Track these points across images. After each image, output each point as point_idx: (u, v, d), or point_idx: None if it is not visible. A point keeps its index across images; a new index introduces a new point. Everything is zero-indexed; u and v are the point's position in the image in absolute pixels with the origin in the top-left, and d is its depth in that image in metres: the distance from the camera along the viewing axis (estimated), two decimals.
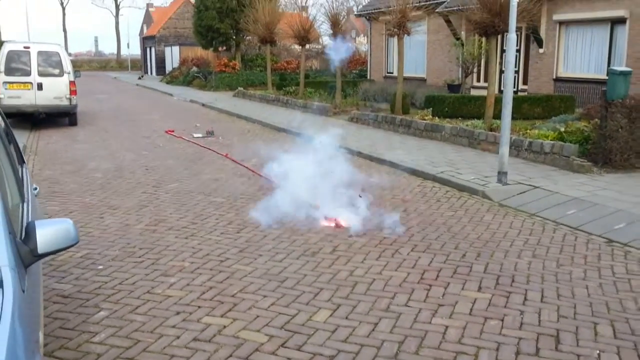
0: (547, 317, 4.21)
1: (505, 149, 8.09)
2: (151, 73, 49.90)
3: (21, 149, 7.29)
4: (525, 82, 18.06)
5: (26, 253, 2.47)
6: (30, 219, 3.22)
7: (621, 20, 14.90)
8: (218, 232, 6.13)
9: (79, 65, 46.11)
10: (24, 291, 2.29)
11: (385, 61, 24.49)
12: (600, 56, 15.69)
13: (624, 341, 3.87)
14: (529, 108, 13.97)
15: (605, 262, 5.38)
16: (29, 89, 14.37)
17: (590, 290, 4.71)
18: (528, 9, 11.86)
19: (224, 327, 4.02)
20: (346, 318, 4.18)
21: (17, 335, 1.98)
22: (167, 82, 35.40)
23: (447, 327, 4.04)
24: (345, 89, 19.25)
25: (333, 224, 6.38)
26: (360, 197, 6.95)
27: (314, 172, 7.41)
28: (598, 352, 3.72)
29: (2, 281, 2.16)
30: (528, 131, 10.69)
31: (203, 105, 21.46)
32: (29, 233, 2.53)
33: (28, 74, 14.39)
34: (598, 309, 4.35)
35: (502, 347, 3.77)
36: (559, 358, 3.64)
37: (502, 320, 4.15)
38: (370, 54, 25.71)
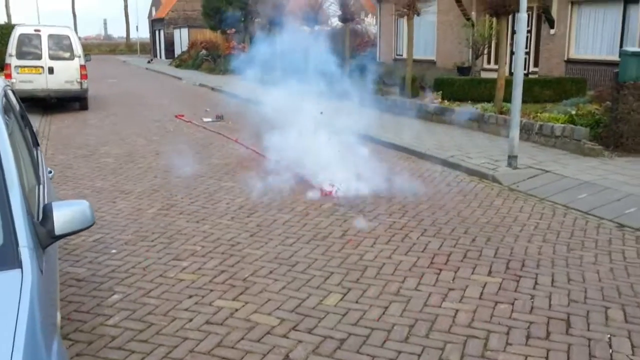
0: (558, 301, 4.22)
1: (515, 132, 8.05)
2: (160, 56, 49.86)
3: None
4: (536, 64, 17.87)
5: (44, 234, 2.50)
6: (46, 201, 3.26)
7: (634, 0, 14.67)
8: (229, 217, 6.18)
9: (88, 48, 46.05)
10: (42, 272, 2.32)
11: (395, 43, 24.32)
12: (613, 37, 15.47)
13: (635, 325, 3.88)
14: (540, 91, 13.87)
15: (616, 247, 5.37)
16: (41, 73, 14.40)
17: (601, 275, 4.71)
18: None
19: (236, 310, 4.08)
20: (356, 302, 4.21)
21: (36, 316, 2.01)
22: (176, 66, 35.37)
23: (457, 311, 4.07)
24: (353, 72, 19.14)
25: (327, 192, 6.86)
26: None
27: (321, 154, 7.46)
28: (609, 336, 3.73)
29: (21, 262, 2.18)
30: (538, 114, 10.61)
31: (212, 89, 21.45)
32: (47, 214, 2.55)
33: (39, 57, 14.41)
34: (609, 294, 4.36)
35: (512, 331, 3.79)
36: (570, 342, 3.66)
37: (513, 304, 4.17)
38: (380, 36, 25.54)
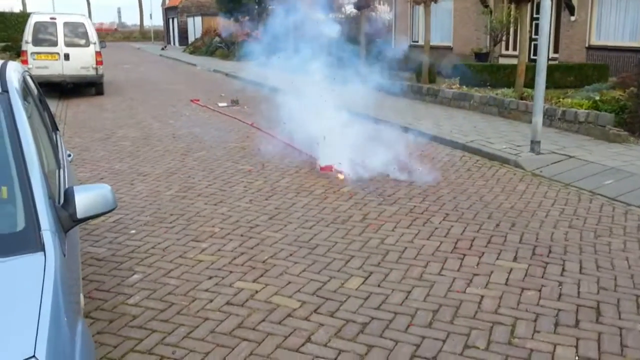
0: (587, 288, 4.10)
1: (538, 117, 7.88)
2: (174, 44, 49.83)
3: None
4: (556, 51, 17.54)
5: (66, 218, 2.47)
6: (67, 185, 3.22)
7: None
8: (247, 199, 6.10)
9: (102, 36, 46.16)
10: (64, 255, 2.29)
11: (411, 29, 24.04)
12: (636, 23, 15.14)
13: None
14: (561, 76, 13.61)
15: None
16: (56, 60, 14.45)
17: (631, 262, 4.57)
18: None
19: (256, 292, 4.01)
20: (378, 286, 4.13)
21: (59, 299, 1.98)
22: (190, 53, 35.34)
23: (482, 296, 3.97)
24: (369, 58, 18.95)
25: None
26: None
27: (340, 138, 7.37)
28: None
29: (44, 245, 2.16)
30: (561, 100, 10.40)
31: (226, 75, 21.36)
32: (68, 198, 2.53)
33: (55, 44, 14.48)
34: (639, 281, 4.23)
35: (540, 318, 3.68)
36: (601, 331, 3.54)
37: (540, 291, 4.06)
38: (395, 23, 25.25)
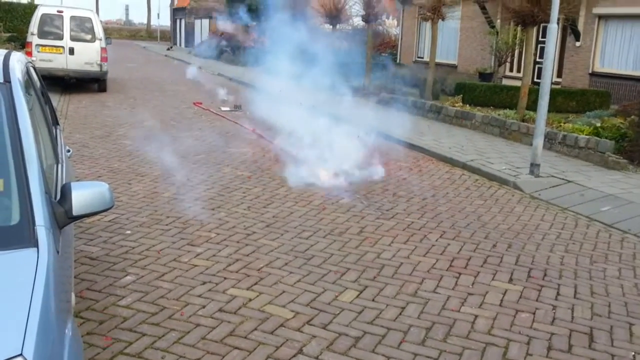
0: (581, 314, 4.10)
1: (539, 140, 7.90)
2: (180, 45, 49.91)
3: None
4: (559, 75, 17.63)
5: (61, 214, 2.42)
6: (64, 180, 3.19)
7: None
8: (244, 206, 6.08)
9: (109, 33, 46.13)
10: (58, 252, 2.25)
11: (416, 45, 24.13)
12: (639, 52, 15.24)
13: None
14: (563, 101, 13.66)
15: None
16: (61, 53, 14.42)
17: (625, 290, 4.57)
18: (568, 0, 11.56)
19: (250, 300, 3.99)
20: (373, 300, 4.11)
21: (50, 296, 1.94)
22: (195, 55, 35.37)
23: (476, 316, 3.95)
24: (374, 72, 19.00)
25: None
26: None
27: (339, 149, 7.38)
28: (633, 353, 3.61)
29: (37, 241, 2.12)
30: (562, 124, 10.44)
31: (230, 79, 21.39)
32: (65, 194, 2.48)
33: (60, 38, 14.45)
34: (633, 309, 4.23)
35: (533, 341, 3.67)
36: (593, 357, 3.53)
37: (534, 313, 4.05)
38: (401, 38, 25.35)
